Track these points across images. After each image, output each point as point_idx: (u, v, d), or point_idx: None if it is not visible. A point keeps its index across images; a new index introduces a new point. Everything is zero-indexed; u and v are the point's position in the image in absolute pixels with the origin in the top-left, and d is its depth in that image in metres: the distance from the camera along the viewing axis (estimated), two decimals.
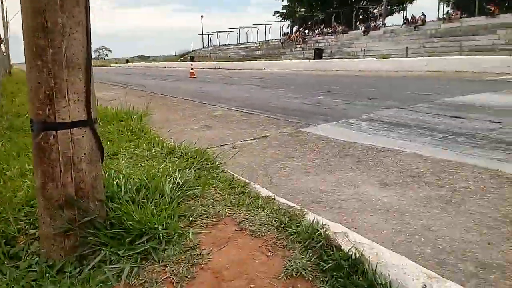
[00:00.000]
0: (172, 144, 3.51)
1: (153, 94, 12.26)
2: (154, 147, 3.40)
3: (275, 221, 1.98)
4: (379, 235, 2.71)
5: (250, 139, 5.50)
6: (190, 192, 2.30)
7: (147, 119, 5.48)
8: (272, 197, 2.32)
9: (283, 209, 2.11)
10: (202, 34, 56.89)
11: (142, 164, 2.88)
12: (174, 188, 2.28)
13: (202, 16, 56.65)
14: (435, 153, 4.31)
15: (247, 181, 2.59)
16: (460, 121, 5.70)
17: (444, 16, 27.68)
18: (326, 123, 6.11)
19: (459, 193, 3.30)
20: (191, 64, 21.44)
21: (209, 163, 2.85)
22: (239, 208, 2.16)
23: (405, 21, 29.91)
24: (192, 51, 55.51)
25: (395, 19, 52.17)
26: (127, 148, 3.38)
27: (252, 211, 2.11)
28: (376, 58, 20.50)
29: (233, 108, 8.17)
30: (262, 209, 2.13)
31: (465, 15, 26.34)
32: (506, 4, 26.06)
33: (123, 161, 2.88)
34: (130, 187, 2.21)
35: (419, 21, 27.53)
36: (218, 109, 8.19)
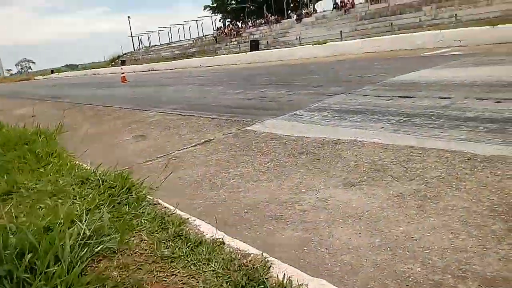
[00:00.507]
0: (88, 169, 2.76)
1: (80, 105, 11.10)
2: (64, 175, 2.64)
3: (227, 283, 1.36)
4: (356, 255, 2.21)
5: (192, 146, 4.85)
6: (102, 246, 1.61)
7: (66, 137, 4.60)
8: (220, 239, 1.68)
9: (236, 260, 1.49)
10: (132, 36, 54.30)
11: (42, 205, 2.14)
12: (78, 243, 1.59)
13: (129, 17, 53.58)
14: (394, 139, 3.92)
15: (184, 215, 1.94)
16: (411, 101, 5.42)
17: None
18: (273, 118, 5.58)
19: (433, 186, 2.89)
20: (121, 68, 20.02)
21: (134, 193, 2.16)
22: (174, 264, 1.51)
23: (335, 5, 30.28)
24: (123, 54, 52.79)
25: (325, 5, 53.07)
26: (27, 182, 2.59)
27: (193, 268, 1.46)
28: (313, 45, 20.39)
29: (170, 112, 7.41)
30: (207, 262, 1.48)
31: None
32: None
33: (12, 204, 2.11)
34: (8, 252, 1.49)
35: (348, 5, 27.99)
36: (154, 115, 7.40)
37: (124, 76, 19.34)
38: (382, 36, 17.34)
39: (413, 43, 14.56)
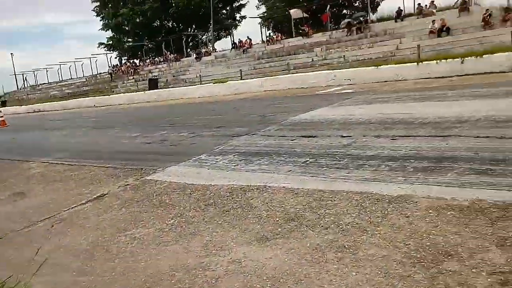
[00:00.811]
0: None
1: None
2: None
3: None
4: None
5: (81, 204, 4.19)
6: None
7: None
8: None
9: None
10: (15, 74, 49.19)
11: None
12: None
13: (12, 54, 48.46)
14: (303, 183, 3.81)
15: None
16: (314, 141, 5.47)
17: (267, 39, 29.91)
18: (176, 164, 5.17)
19: (348, 233, 2.77)
20: (0, 111, 17.72)
21: None
22: None
23: (233, 45, 31.25)
24: (4, 94, 47.43)
25: (224, 44, 54.73)
26: None
27: None
28: (214, 83, 20.51)
29: (56, 162, 6.51)
30: None
31: (285, 37, 29.01)
32: (316, 26, 29.68)
33: None
34: None
35: (246, 45, 29.09)
36: (37, 166, 6.43)
37: (3, 120, 17.11)
38: (279, 75, 18.18)
39: (309, 82, 15.50)
